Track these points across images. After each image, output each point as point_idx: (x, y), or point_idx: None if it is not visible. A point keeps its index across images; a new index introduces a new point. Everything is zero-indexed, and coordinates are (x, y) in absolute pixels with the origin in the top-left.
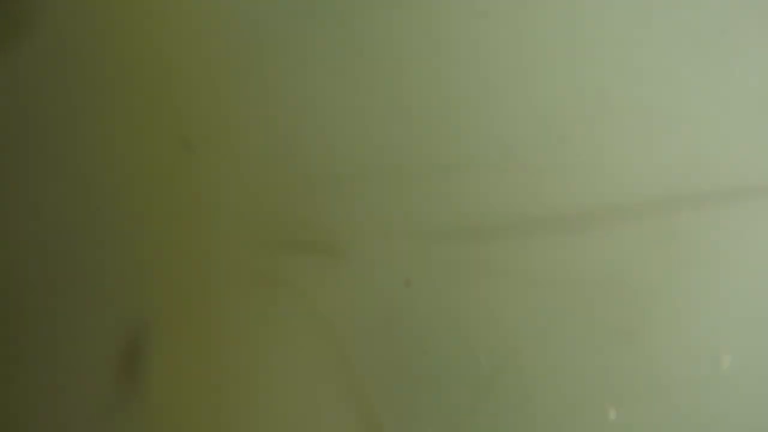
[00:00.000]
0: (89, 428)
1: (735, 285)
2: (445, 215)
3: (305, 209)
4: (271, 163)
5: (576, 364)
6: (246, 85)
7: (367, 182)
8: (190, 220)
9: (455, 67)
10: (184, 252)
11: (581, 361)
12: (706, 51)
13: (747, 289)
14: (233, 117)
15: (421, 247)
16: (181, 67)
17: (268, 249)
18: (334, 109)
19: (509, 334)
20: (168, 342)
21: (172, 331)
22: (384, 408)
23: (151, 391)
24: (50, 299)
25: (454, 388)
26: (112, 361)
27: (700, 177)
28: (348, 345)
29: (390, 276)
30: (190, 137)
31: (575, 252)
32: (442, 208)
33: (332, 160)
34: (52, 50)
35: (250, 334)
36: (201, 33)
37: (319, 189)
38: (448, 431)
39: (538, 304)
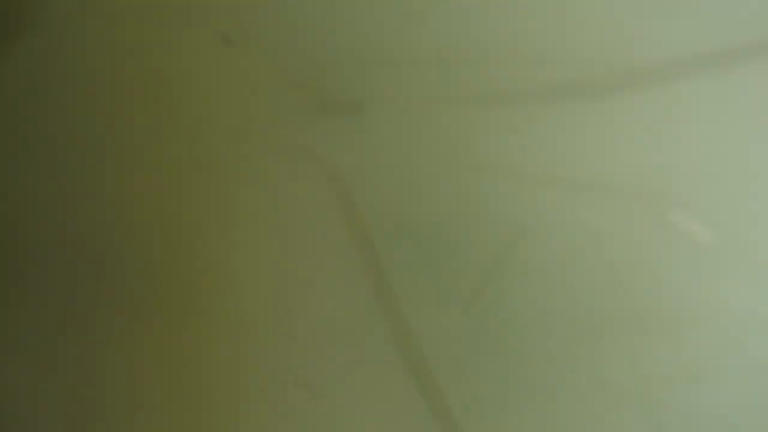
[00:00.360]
0: None
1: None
2: (461, 85)
3: (331, 80)
4: (297, 40)
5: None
6: None
7: (387, 57)
8: (219, 94)
9: None
10: (219, 123)
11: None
12: None
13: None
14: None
15: (438, 115)
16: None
17: (293, 117)
18: None
19: (522, 203)
20: (197, 204)
21: (202, 193)
22: (394, 272)
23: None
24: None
25: (462, 255)
26: None
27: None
28: (362, 209)
29: (408, 142)
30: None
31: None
32: (459, 79)
33: (355, 38)
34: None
35: (272, 198)
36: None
37: (344, 62)
38: (457, 293)
39: (547, 174)
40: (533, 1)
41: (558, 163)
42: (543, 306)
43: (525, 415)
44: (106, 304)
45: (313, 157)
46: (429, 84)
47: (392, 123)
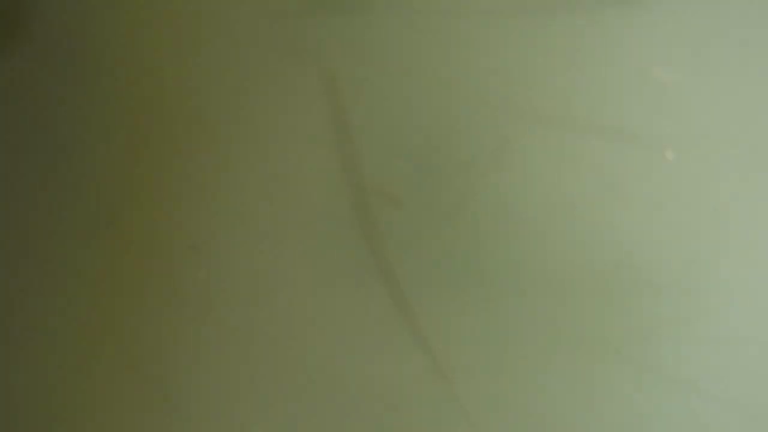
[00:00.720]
0: None
1: None
2: None
3: None
4: None
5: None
6: None
7: None
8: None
9: None
10: (219, 21)
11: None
12: None
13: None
14: None
15: (439, 23)
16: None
17: (292, 16)
18: None
19: (502, 128)
20: (201, 99)
21: (200, 87)
22: (377, 180)
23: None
24: None
25: (446, 172)
26: None
27: None
28: (355, 112)
29: (409, 45)
30: None
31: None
32: None
33: None
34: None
35: (270, 98)
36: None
37: None
38: (437, 207)
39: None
40: None
41: (549, 97)
42: (513, 226)
43: (471, 300)
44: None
45: (311, 58)
46: None
47: (393, 25)
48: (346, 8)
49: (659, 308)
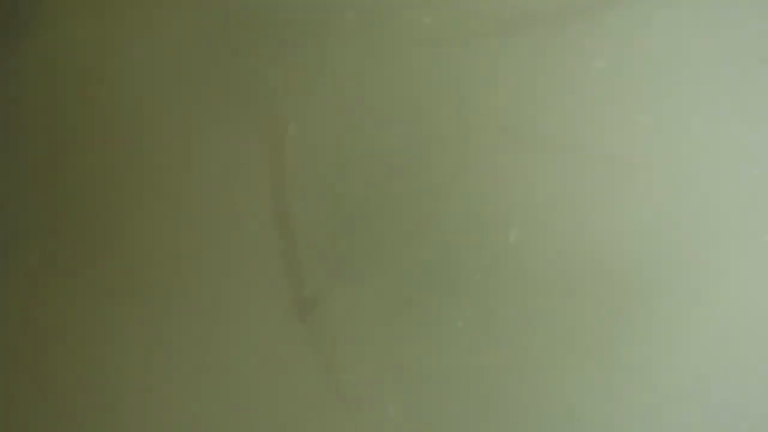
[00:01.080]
0: None
1: None
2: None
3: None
4: None
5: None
6: None
7: None
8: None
9: None
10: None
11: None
12: None
13: None
14: None
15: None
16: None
17: (244, 48)
18: None
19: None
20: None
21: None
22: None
23: None
24: None
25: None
26: None
27: None
28: (298, 127)
29: (366, 72)
30: None
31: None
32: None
33: None
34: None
35: (213, 137)
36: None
37: None
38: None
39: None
40: None
41: (509, 116)
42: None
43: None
44: None
45: (263, 96)
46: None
47: (351, 54)
48: (301, 40)
49: (638, 311)
